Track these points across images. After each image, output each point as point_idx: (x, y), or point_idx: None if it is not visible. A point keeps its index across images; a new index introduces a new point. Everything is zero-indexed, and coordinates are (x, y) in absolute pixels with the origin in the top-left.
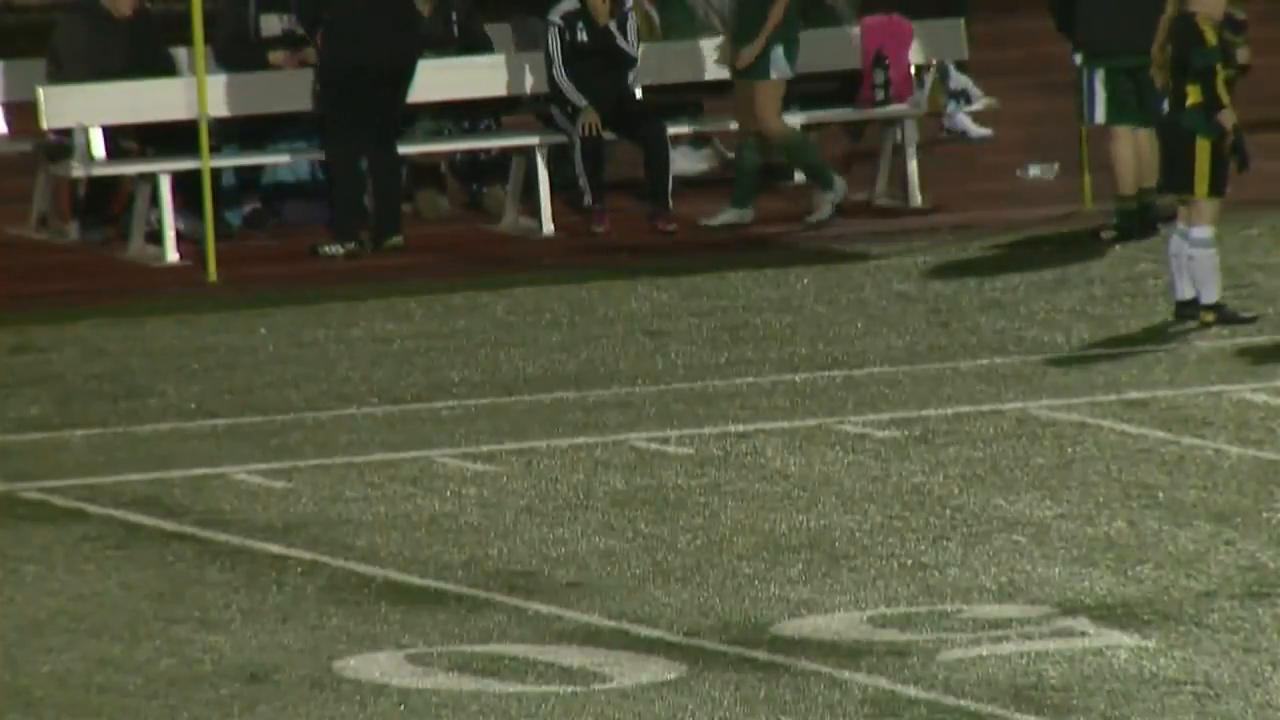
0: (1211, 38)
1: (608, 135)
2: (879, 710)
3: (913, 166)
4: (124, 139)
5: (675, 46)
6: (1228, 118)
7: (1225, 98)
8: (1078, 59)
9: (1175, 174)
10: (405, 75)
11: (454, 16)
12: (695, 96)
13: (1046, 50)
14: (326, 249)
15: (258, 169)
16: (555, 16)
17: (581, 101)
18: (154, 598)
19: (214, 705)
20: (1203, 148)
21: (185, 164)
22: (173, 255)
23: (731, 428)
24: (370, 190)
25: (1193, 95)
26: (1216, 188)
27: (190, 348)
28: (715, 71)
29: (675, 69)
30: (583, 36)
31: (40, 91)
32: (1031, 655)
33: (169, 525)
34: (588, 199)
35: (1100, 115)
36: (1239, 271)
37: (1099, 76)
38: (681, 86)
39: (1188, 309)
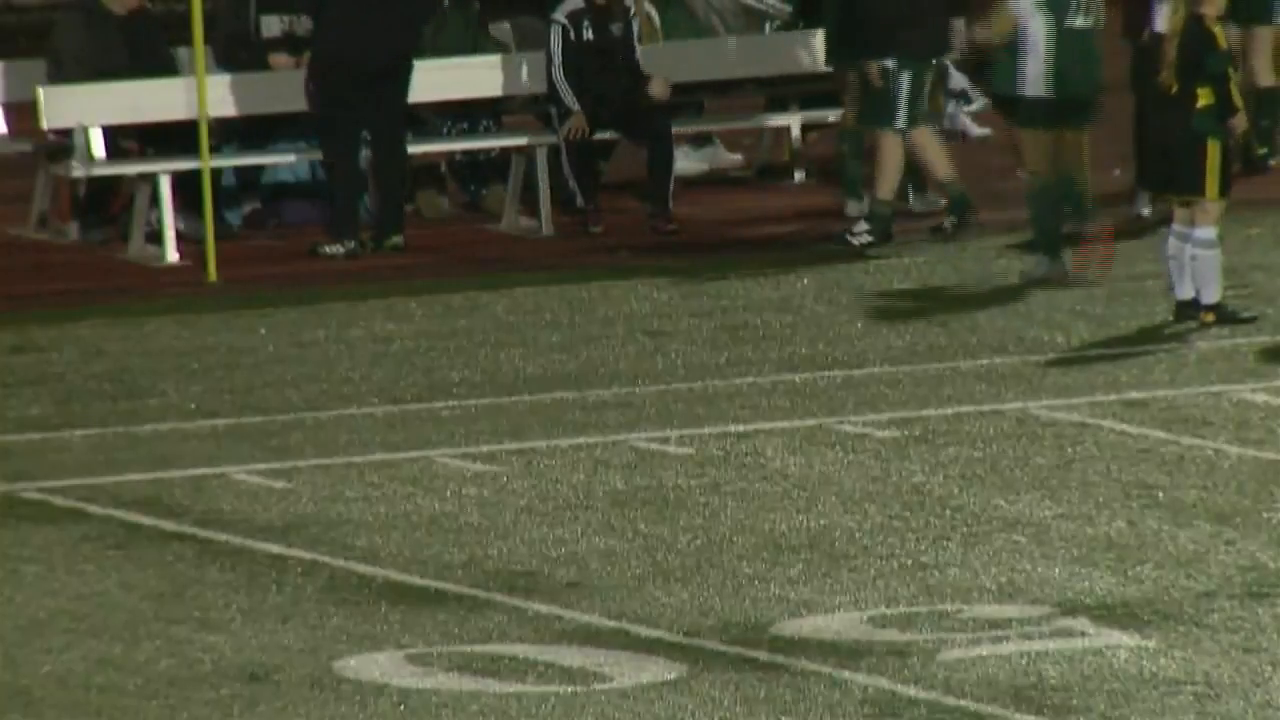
0: (1224, 40)
1: (610, 135)
2: (879, 710)
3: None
4: (124, 139)
5: (675, 46)
6: (1241, 122)
7: (1240, 102)
8: (889, 64)
9: (1183, 175)
10: (403, 71)
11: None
12: (696, 96)
13: None
14: (326, 249)
15: (258, 169)
16: (560, 16)
17: (575, 106)
18: (154, 598)
19: (214, 705)
20: (1214, 149)
21: (185, 164)
22: (173, 255)
23: (731, 428)
24: (373, 189)
25: (1203, 98)
26: (1225, 189)
27: (190, 348)
28: (716, 71)
29: (675, 69)
30: (588, 35)
31: (40, 91)
32: (1031, 655)
33: (169, 525)
34: (579, 200)
35: (902, 120)
36: (1239, 271)
37: (906, 79)
38: (682, 86)
39: (1188, 309)
